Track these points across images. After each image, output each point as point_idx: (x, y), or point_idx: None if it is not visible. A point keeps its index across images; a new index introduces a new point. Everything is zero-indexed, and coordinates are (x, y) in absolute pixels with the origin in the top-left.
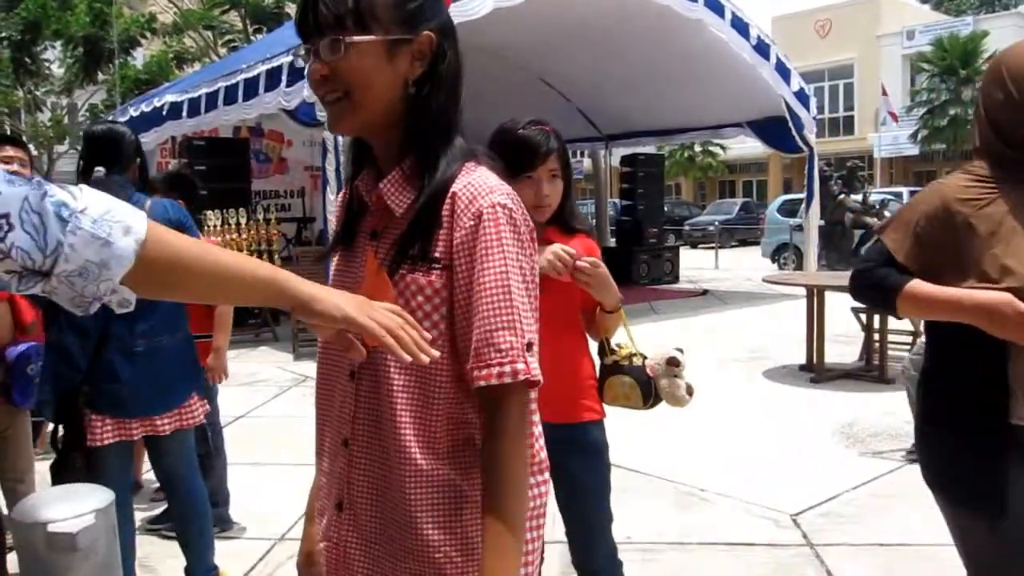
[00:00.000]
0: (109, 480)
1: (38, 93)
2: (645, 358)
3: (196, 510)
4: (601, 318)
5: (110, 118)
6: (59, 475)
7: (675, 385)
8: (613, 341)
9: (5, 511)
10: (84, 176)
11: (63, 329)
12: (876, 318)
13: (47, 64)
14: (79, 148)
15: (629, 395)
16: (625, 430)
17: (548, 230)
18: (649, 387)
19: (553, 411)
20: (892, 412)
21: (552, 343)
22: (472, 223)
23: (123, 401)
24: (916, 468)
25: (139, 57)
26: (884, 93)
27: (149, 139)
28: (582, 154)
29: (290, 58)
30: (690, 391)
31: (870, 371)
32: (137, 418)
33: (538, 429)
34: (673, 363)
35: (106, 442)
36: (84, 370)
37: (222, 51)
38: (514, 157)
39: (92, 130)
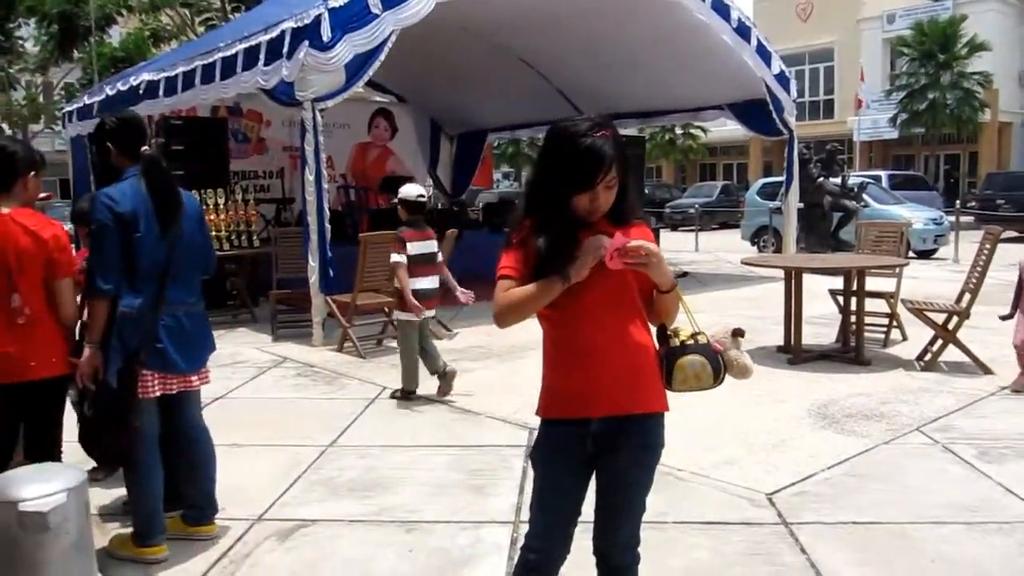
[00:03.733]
0: (148, 431)
1: (12, 71)
2: (707, 335)
3: (209, 445)
4: (659, 300)
5: (86, 97)
6: (103, 436)
7: (742, 355)
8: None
9: None
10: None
11: (130, 298)
12: (853, 301)
13: (21, 42)
14: (54, 128)
15: (700, 375)
16: None
17: (600, 222)
18: (718, 362)
19: (617, 400)
20: (868, 393)
21: (615, 328)
22: None
23: (170, 359)
24: (890, 448)
25: (115, 35)
26: (862, 79)
27: None
28: None
29: (268, 36)
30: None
31: (847, 353)
32: (177, 375)
33: None
34: (739, 334)
35: (155, 395)
36: (144, 333)
37: (199, 29)
38: (574, 173)
39: (131, 116)
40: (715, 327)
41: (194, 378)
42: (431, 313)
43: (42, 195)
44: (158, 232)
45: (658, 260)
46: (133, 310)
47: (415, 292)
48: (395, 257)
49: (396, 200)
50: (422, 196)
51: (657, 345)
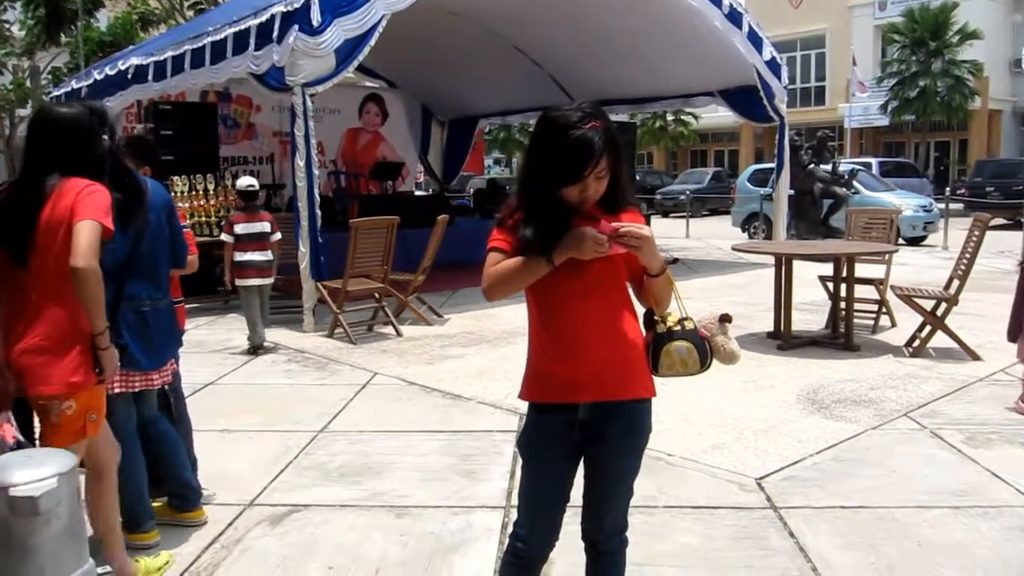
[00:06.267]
0: (120, 425)
1: None
2: (694, 321)
3: (173, 436)
4: (649, 284)
5: (73, 82)
6: None
7: (729, 341)
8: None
9: None
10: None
11: None
12: (843, 287)
13: (7, 25)
14: None
15: (687, 360)
16: None
17: (592, 209)
18: (705, 348)
19: (604, 385)
20: (856, 379)
21: (602, 313)
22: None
23: (132, 356)
24: (879, 433)
25: (102, 19)
26: (854, 63)
27: (114, 103)
28: None
29: (258, 21)
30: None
31: (836, 339)
32: (139, 372)
33: None
34: (726, 320)
35: (115, 391)
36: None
37: (188, 14)
38: (563, 165)
39: (92, 105)
40: (703, 312)
41: (155, 376)
42: (265, 281)
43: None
44: (120, 226)
45: (649, 244)
46: None
47: (245, 263)
48: (223, 237)
49: (235, 191)
50: (252, 186)
51: (644, 330)
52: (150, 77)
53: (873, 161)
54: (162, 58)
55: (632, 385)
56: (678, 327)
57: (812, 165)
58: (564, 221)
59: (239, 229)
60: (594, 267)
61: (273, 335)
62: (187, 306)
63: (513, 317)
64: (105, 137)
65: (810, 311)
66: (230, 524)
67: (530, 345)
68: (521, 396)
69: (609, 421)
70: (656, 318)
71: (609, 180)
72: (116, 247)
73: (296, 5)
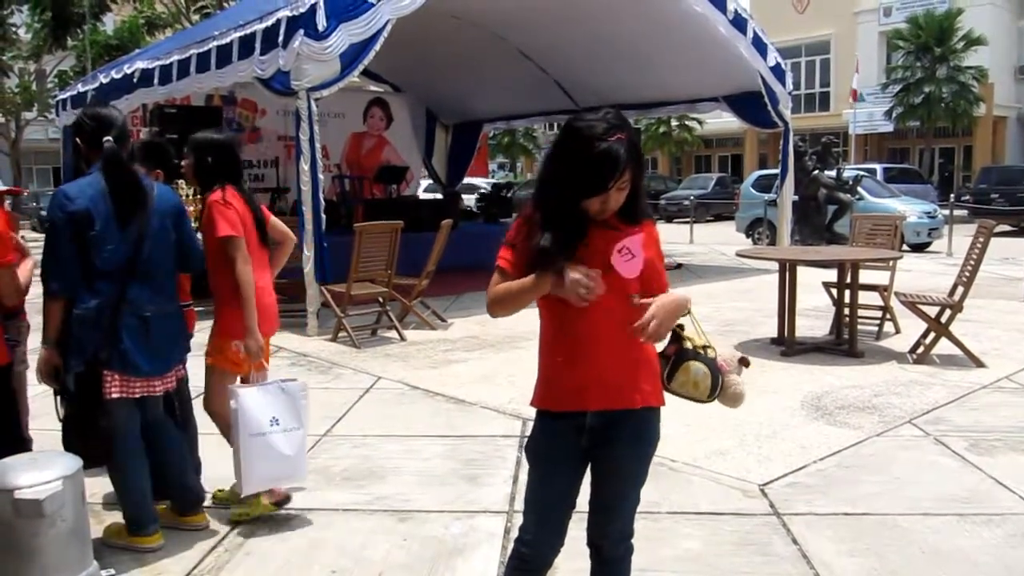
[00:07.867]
0: (123, 429)
1: (5, 58)
2: (716, 351)
3: (176, 441)
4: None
5: (79, 85)
6: (75, 436)
7: (740, 384)
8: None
9: None
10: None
11: (86, 299)
12: (847, 293)
13: (14, 29)
14: (47, 116)
15: (700, 383)
16: None
17: (611, 218)
18: (718, 380)
19: (613, 393)
20: (860, 385)
21: (613, 322)
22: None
23: (131, 361)
24: (882, 440)
25: (109, 23)
26: (856, 71)
27: (120, 107)
28: (558, 127)
29: (263, 25)
30: None
31: (840, 345)
32: (140, 378)
33: None
34: (744, 363)
35: (114, 396)
36: (104, 333)
37: (194, 17)
38: (587, 176)
39: (97, 109)
40: (709, 324)
41: (157, 382)
42: None
43: (9, 188)
44: (118, 228)
45: (666, 315)
46: (89, 311)
47: None
48: None
49: None
50: None
51: (667, 340)
52: (156, 81)
53: (877, 167)
54: (168, 62)
55: (641, 394)
56: (703, 351)
57: (816, 171)
58: (581, 230)
59: None
60: (607, 277)
61: (276, 338)
62: (196, 309)
63: (517, 322)
64: (109, 138)
65: (814, 317)
66: (233, 528)
67: (540, 352)
68: (532, 403)
69: (617, 428)
70: (684, 335)
71: (629, 192)
72: (115, 249)
73: (302, 10)
